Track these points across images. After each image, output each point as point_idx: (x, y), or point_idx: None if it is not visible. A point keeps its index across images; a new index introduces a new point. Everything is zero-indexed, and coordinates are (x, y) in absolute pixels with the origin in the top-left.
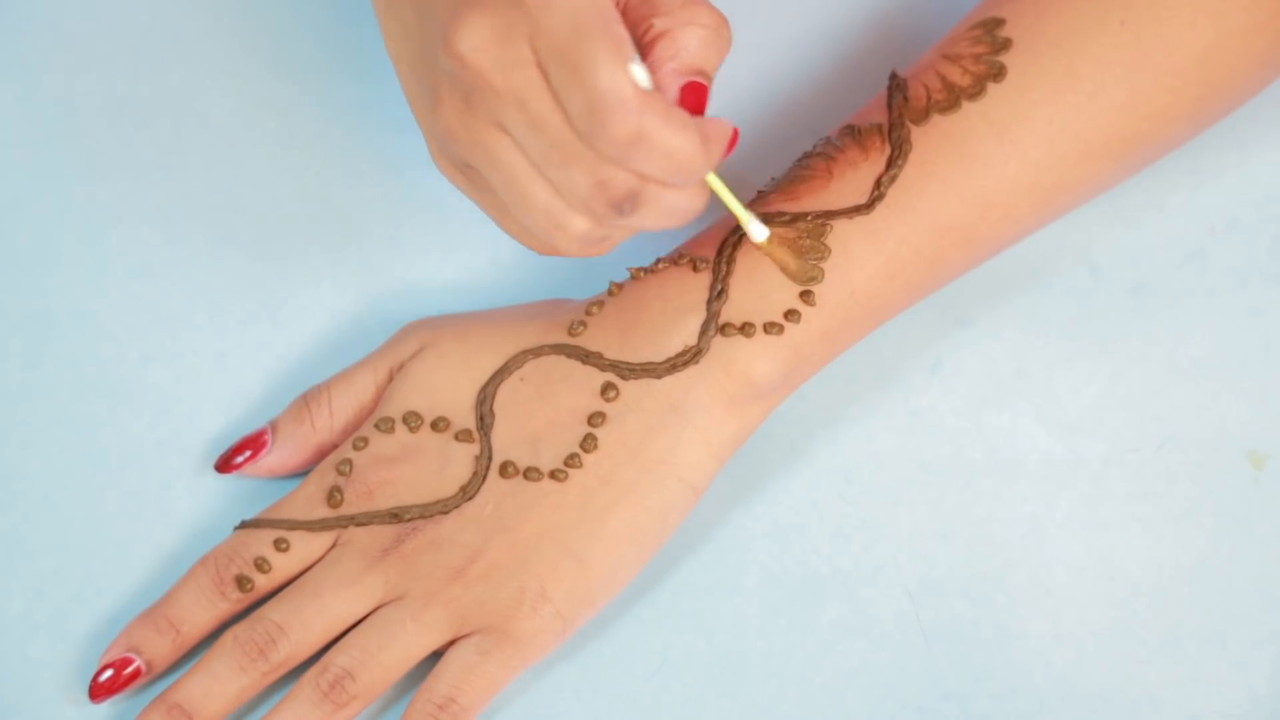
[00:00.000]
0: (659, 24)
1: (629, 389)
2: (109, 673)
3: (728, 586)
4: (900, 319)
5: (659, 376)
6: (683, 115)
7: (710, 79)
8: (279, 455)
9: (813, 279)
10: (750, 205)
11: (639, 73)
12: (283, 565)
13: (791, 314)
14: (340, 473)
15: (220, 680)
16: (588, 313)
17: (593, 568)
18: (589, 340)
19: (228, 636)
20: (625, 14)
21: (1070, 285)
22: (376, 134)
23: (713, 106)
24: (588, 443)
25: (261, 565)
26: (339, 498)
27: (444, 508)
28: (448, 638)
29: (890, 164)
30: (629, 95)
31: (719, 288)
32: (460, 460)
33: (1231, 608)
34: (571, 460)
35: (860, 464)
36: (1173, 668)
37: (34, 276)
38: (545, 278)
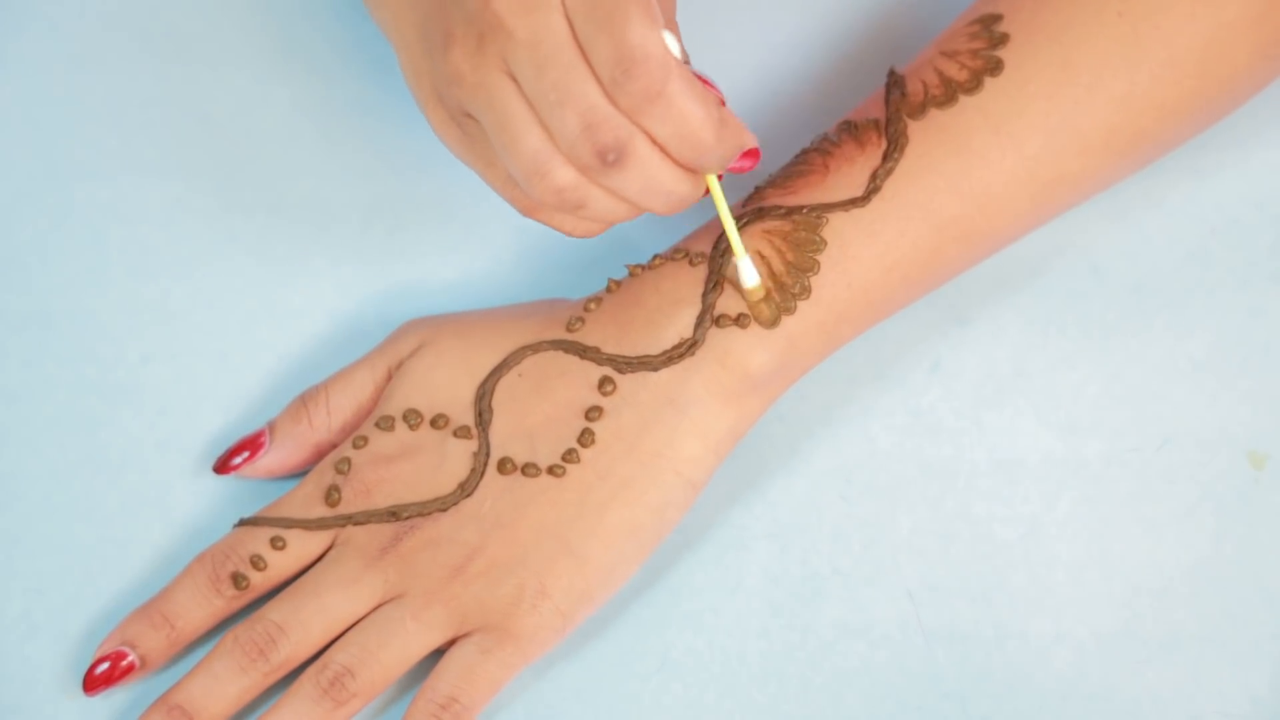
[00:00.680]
0: None
1: (626, 383)
2: (104, 665)
3: (728, 586)
4: (900, 318)
5: (655, 369)
6: (703, 91)
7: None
8: (277, 455)
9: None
10: (747, 200)
11: (671, 41)
12: (279, 564)
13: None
14: (339, 471)
15: (221, 681)
16: (586, 309)
17: (591, 564)
18: (587, 335)
19: (228, 637)
20: None
21: (1070, 285)
22: (377, 134)
23: None
24: (585, 437)
25: (257, 563)
26: (337, 496)
27: (442, 505)
28: (448, 636)
29: (886, 158)
30: (660, 51)
31: (714, 281)
32: (458, 457)
33: (1231, 608)
34: (569, 455)
35: (860, 464)
36: (1173, 668)
37: (34, 276)
38: (544, 278)
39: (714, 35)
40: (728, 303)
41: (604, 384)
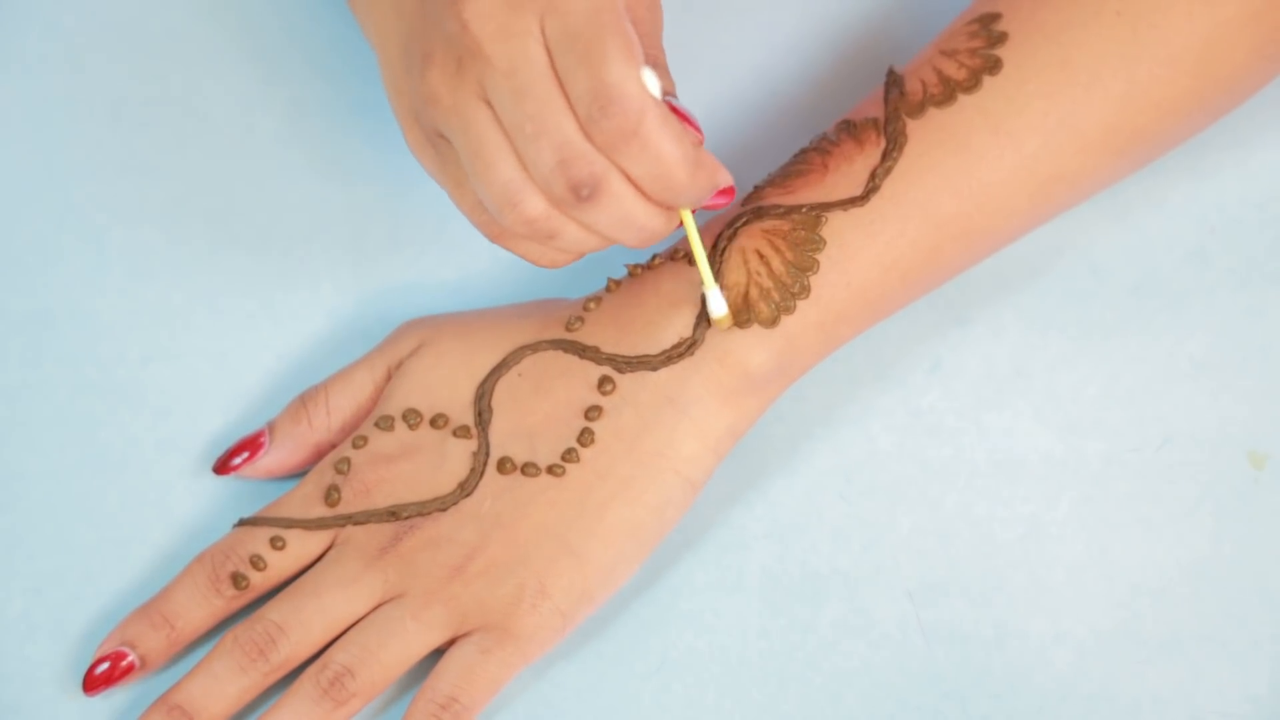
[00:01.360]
0: None
1: (625, 382)
2: (105, 665)
3: (728, 586)
4: (900, 318)
5: (655, 369)
6: (680, 129)
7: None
8: (277, 456)
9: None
10: (746, 200)
11: (649, 78)
12: (279, 564)
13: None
14: (338, 471)
15: (221, 681)
16: (585, 308)
17: (591, 563)
18: (586, 335)
19: (228, 637)
20: None
21: (1070, 285)
22: (377, 134)
23: (711, 105)
24: (584, 437)
25: (257, 563)
26: (336, 496)
27: (442, 505)
28: (448, 635)
29: (885, 156)
30: (637, 91)
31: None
32: (458, 457)
33: (1231, 608)
34: (568, 455)
35: (860, 464)
36: (1173, 668)
37: (34, 276)
38: (543, 278)
39: (714, 35)
40: (726, 299)
41: (603, 383)
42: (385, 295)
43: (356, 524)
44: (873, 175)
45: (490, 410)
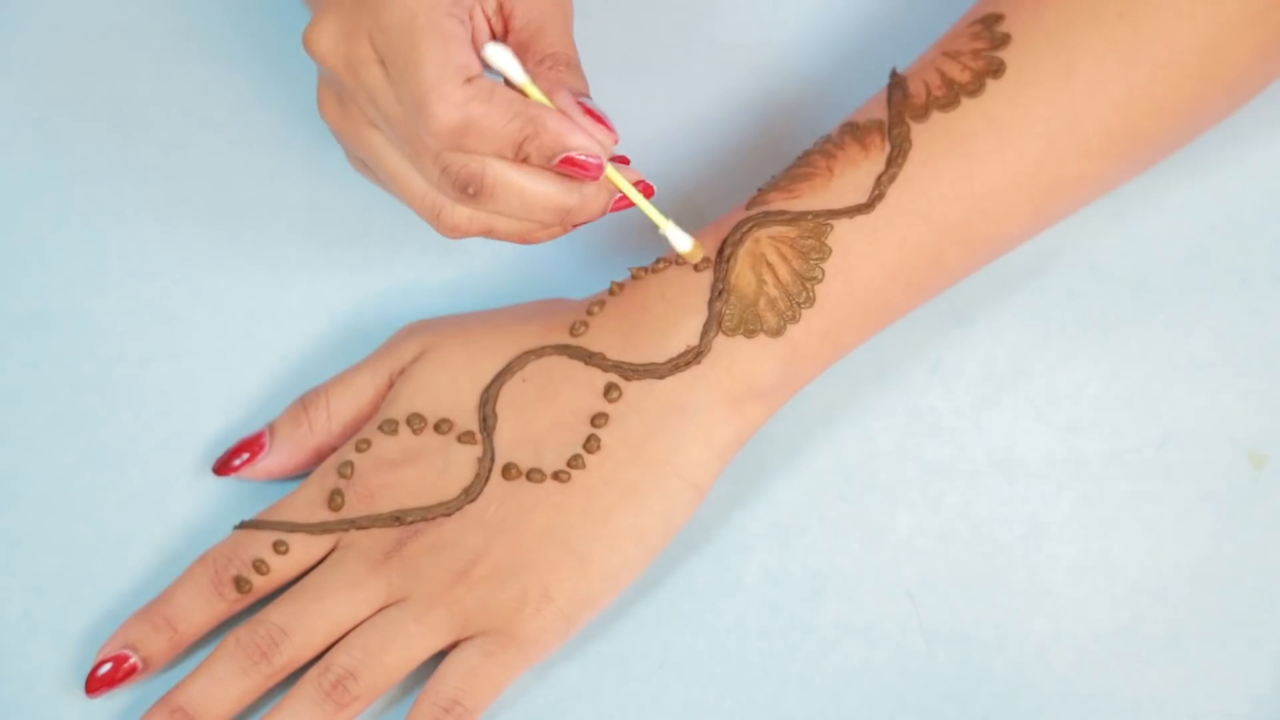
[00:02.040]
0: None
1: (631, 389)
2: (107, 667)
3: (728, 586)
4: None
5: (661, 377)
6: (508, 95)
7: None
8: (277, 458)
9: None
10: (750, 203)
11: (493, 52)
12: (281, 567)
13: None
14: (341, 475)
15: (222, 683)
16: (589, 312)
17: (596, 568)
18: (591, 341)
19: (230, 639)
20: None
21: (1070, 285)
22: None
23: (711, 105)
24: (590, 443)
25: (260, 567)
26: (340, 500)
27: (446, 510)
28: (450, 639)
29: (890, 163)
30: (450, 88)
31: (720, 287)
32: (462, 462)
33: (1231, 608)
34: (574, 461)
35: (860, 464)
36: (1173, 668)
37: (34, 276)
38: (545, 278)
39: (713, 35)
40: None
41: (610, 391)
42: (385, 295)
43: (360, 529)
44: (878, 182)
45: (495, 416)
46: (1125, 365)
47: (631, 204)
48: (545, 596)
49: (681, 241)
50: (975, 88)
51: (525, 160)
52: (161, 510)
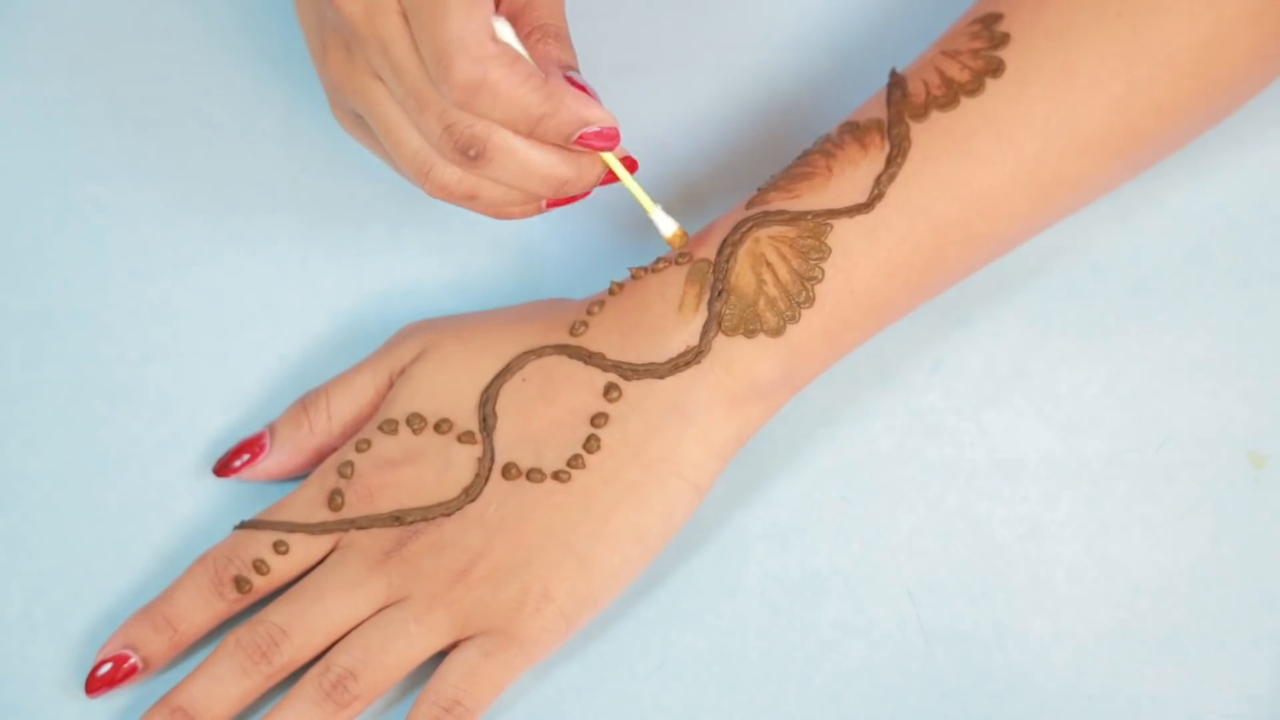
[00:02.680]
0: None
1: (631, 389)
2: (107, 667)
3: (728, 586)
4: (900, 319)
5: (661, 377)
6: (530, 68)
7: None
8: (277, 459)
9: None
10: (749, 203)
11: (500, 27)
12: (282, 567)
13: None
14: (341, 475)
15: (222, 683)
16: (589, 312)
17: (596, 567)
18: (591, 341)
19: (230, 639)
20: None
21: (1070, 285)
22: None
23: (711, 104)
24: (590, 443)
25: (260, 567)
26: (340, 500)
27: (446, 510)
28: (451, 639)
29: (890, 162)
30: (474, 43)
31: (720, 287)
32: (462, 462)
33: (1231, 608)
34: (574, 461)
35: (860, 464)
36: (1173, 668)
37: (34, 276)
38: (545, 278)
39: (713, 35)
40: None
41: (610, 391)
42: (385, 295)
43: (360, 529)
44: (878, 181)
45: (495, 416)
46: (1125, 365)
47: (616, 179)
48: (545, 596)
49: (667, 225)
50: (974, 87)
51: (537, 137)
52: (161, 510)
